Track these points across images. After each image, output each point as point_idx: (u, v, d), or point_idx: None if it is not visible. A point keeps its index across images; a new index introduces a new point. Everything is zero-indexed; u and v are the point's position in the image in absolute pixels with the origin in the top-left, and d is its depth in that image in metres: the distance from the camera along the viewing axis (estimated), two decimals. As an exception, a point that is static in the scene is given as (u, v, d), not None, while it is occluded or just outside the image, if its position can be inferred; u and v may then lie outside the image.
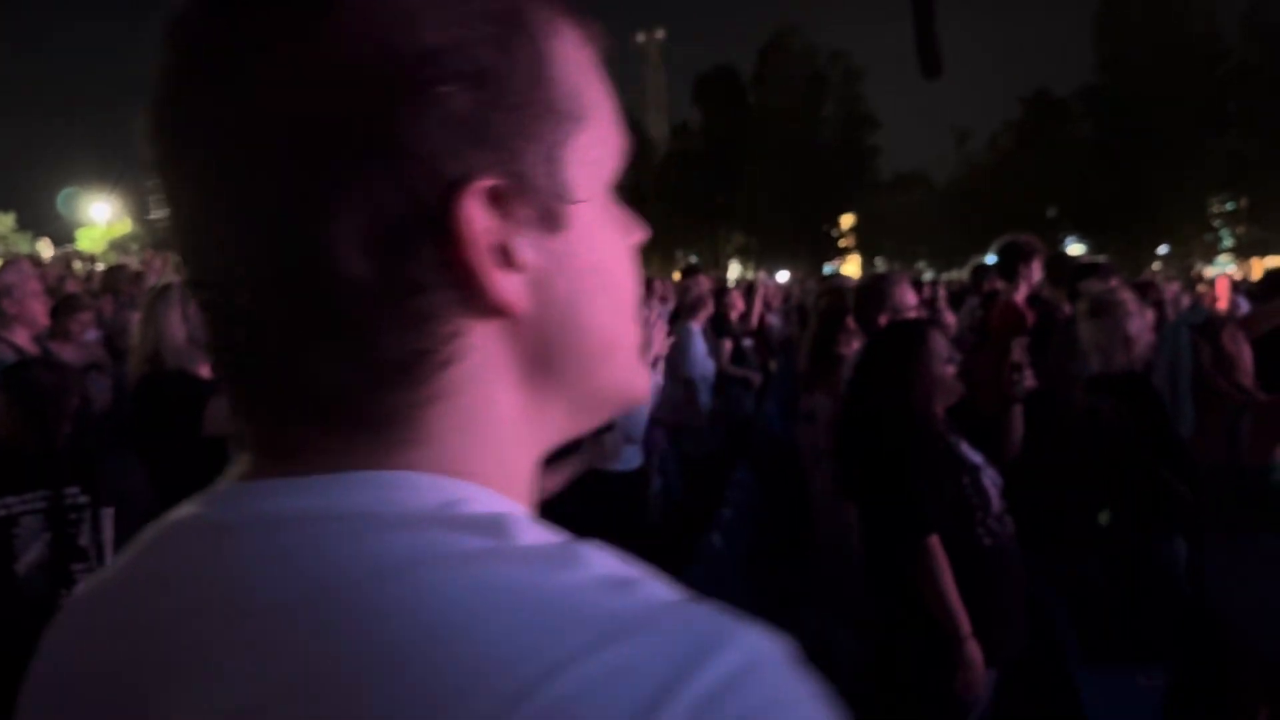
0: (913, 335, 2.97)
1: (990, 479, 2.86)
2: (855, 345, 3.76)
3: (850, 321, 3.81)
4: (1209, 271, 38.22)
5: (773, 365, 9.12)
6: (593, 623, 0.40)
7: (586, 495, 3.30)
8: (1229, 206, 42.79)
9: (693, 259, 55.09)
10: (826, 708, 0.43)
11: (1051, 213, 47.52)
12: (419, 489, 0.46)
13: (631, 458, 3.55)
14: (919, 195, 58.03)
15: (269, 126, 0.44)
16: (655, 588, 0.44)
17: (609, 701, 0.37)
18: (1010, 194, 46.22)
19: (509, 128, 0.47)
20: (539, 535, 0.46)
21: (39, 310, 4.28)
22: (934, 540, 2.74)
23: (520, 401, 0.51)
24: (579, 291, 0.51)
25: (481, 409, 0.49)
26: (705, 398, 6.30)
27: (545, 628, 0.39)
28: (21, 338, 4.17)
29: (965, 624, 2.72)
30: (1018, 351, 3.02)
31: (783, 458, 5.36)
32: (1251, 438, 2.98)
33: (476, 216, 0.45)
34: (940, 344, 2.94)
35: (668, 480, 5.02)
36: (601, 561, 0.44)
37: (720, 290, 8.44)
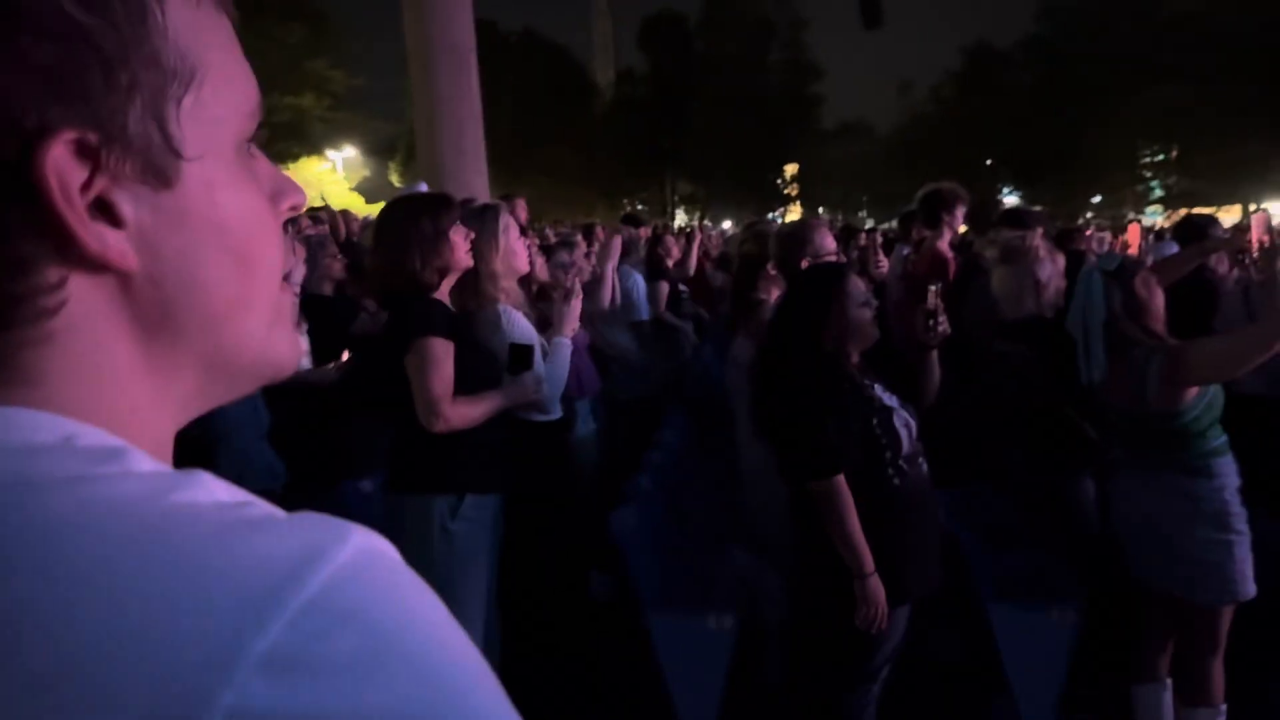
0: (829, 278, 3.00)
1: (902, 421, 2.92)
2: (775, 291, 3.79)
3: (771, 267, 3.84)
4: (1143, 221, 38.96)
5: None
6: (211, 528, 0.42)
7: (513, 444, 3.32)
8: (1160, 157, 43.51)
9: (639, 207, 54.90)
10: (431, 597, 0.45)
11: (990, 162, 47.99)
12: (24, 424, 0.46)
13: (552, 408, 3.56)
14: (862, 145, 58.29)
15: None
16: (267, 506, 0.46)
17: (234, 589, 0.39)
18: (951, 143, 46.53)
19: (97, 83, 0.46)
20: (156, 465, 0.47)
21: None
22: (838, 480, 2.79)
23: (139, 355, 0.51)
24: (196, 249, 0.51)
25: (94, 357, 0.49)
26: (644, 342, 6.34)
27: (138, 542, 0.41)
28: None
29: (868, 562, 2.80)
30: (931, 298, 3.07)
31: (715, 401, 5.40)
32: (1159, 382, 3.06)
33: (58, 170, 0.45)
34: (858, 288, 2.98)
35: (601, 424, 5.04)
36: (218, 486, 0.46)
37: (656, 236, 8.45)
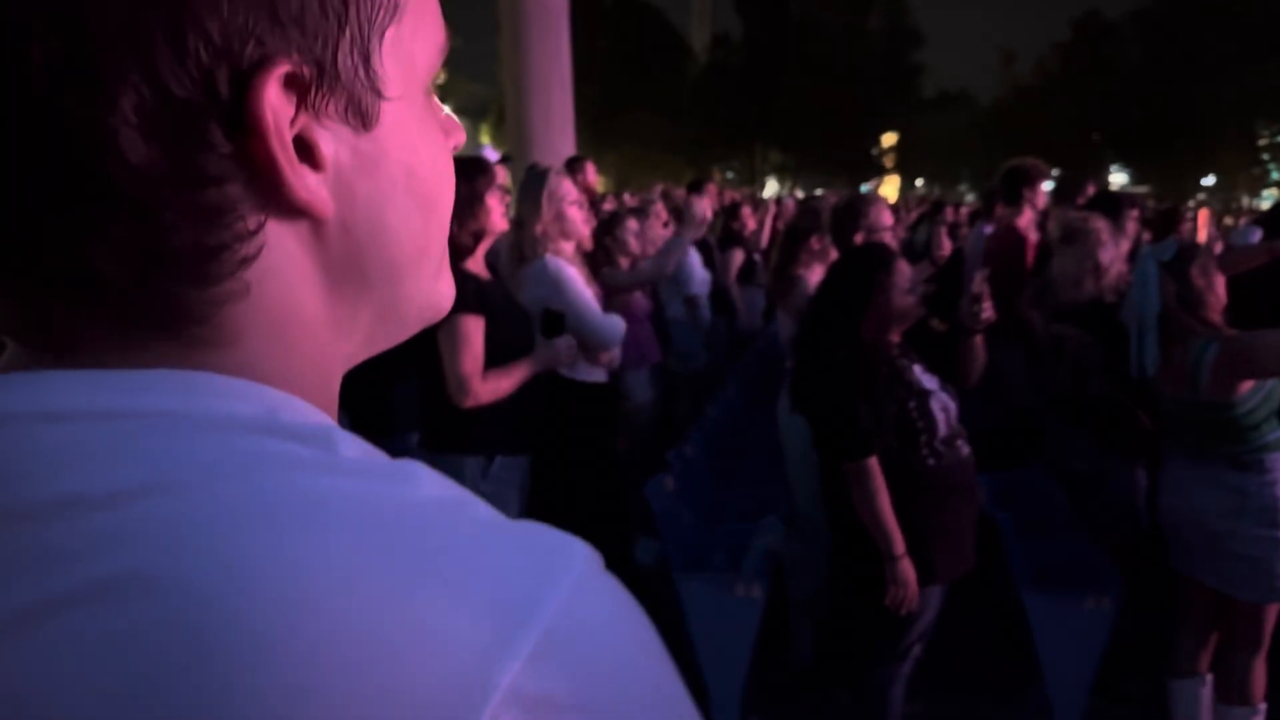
0: (874, 264, 2.98)
1: (940, 404, 2.90)
2: (815, 267, 3.77)
3: (815, 242, 3.82)
4: (1257, 204, 37.32)
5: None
6: (449, 532, 0.41)
7: (553, 402, 3.38)
8: (1278, 139, 41.59)
9: (728, 175, 54.50)
10: (641, 615, 0.45)
11: (1096, 138, 46.43)
12: (229, 392, 0.44)
13: (598, 371, 3.61)
14: (962, 116, 56.84)
15: None
16: (485, 506, 0.44)
17: (467, 620, 0.38)
18: (1055, 117, 45.13)
19: (313, 10, 0.42)
20: (364, 450, 0.45)
21: None
22: (870, 462, 2.79)
23: (326, 307, 0.48)
24: (389, 194, 0.48)
25: (286, 312, 0.46)
26: (705, 312, 6.35)
27: (384, 547, 0.39)
28: None
29: (898, 544, 2.79)
30: (977, 283, 3.03)
31: (772, 373, 5.41)
32: (1213, 373, 2.98)
33: (273, 105, 0.41)
34: (903, 275, 2.95)
35: (659, 393, 5.08)
36: (430, 479, 0.44)
37: (732, 206, 8.39)
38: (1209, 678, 3.27)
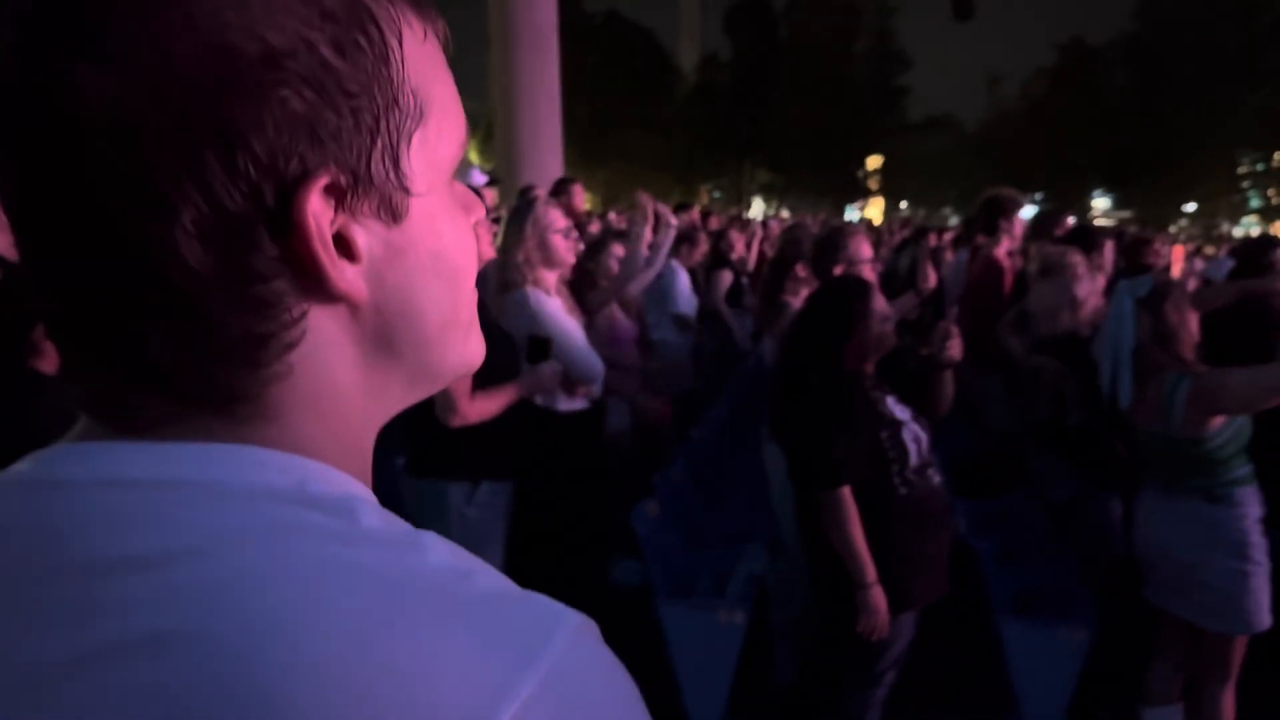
0: (852, 296, 3.04)
1: (912, 435, 2.96)
2: (802, 293, 3.83)
3: (800, 269, 3.88)
4: (1236, 232, 37.71)
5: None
6: (437, 605, 0.45)
7: (536, 433, 3.42)
8: (1259, 166, 42.06)
9: (715, 195, 54.67)
10: (623, 671, 0.50)
11: (1080, 163, 46.82)
12: (267, 465, 0.49)
13: (578, 400, 3.65)
14: (948, 139, 57.23)
15: (102, 114, 0.44)
16: (490, 577, 0.49)
17: (474, 665, 0.43)
18: (1040, 142, 45.51)
19: (348, 127, 0.48)
20: (383, 520, 0.50)
21: (4, 243, 4.30)
22: (843, 491, 2.85)
23: (361, 379, 0.54)
24: (417, 278, 0.53)
25: (325, 388, 0.52)
26: (686, 335, 6.42)
27: (392, 607, 0.44)
28: (3, 243, 4.23)
29: (870, 572, 2.85)
30: (945, 321, 3.10)
31: (758, 396, 5.46)
32: (1185, 409, 3.05)
33: (315, 212, 0.47)
34: (880, 305, 3.02)
35: (637, 417, 5.10)
36: (441, 548, 0.49)
37: (720, 231, 8.47)
38: (1181, 706, 3.32)
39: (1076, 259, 3.64)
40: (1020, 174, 37.39)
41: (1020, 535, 3.82)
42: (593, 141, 41.34)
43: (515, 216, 3.55)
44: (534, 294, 3.45)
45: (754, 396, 5.73)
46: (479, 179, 5.65)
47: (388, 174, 0.51)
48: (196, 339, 0.48)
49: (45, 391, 2.75)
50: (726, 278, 7.40)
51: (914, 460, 2.91)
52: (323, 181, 0.47)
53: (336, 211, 0.49)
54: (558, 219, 3.60)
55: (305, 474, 0.50)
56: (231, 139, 0.45)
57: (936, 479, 2.99)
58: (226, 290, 0.47)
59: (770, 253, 8.43)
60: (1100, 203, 52.50)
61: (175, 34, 0.44)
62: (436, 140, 0.54)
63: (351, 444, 0.55)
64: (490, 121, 26.81)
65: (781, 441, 3.10)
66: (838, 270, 3.64)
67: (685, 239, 7.10)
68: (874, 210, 56.78)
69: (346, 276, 0.50)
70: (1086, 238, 4.73)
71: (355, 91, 0.48)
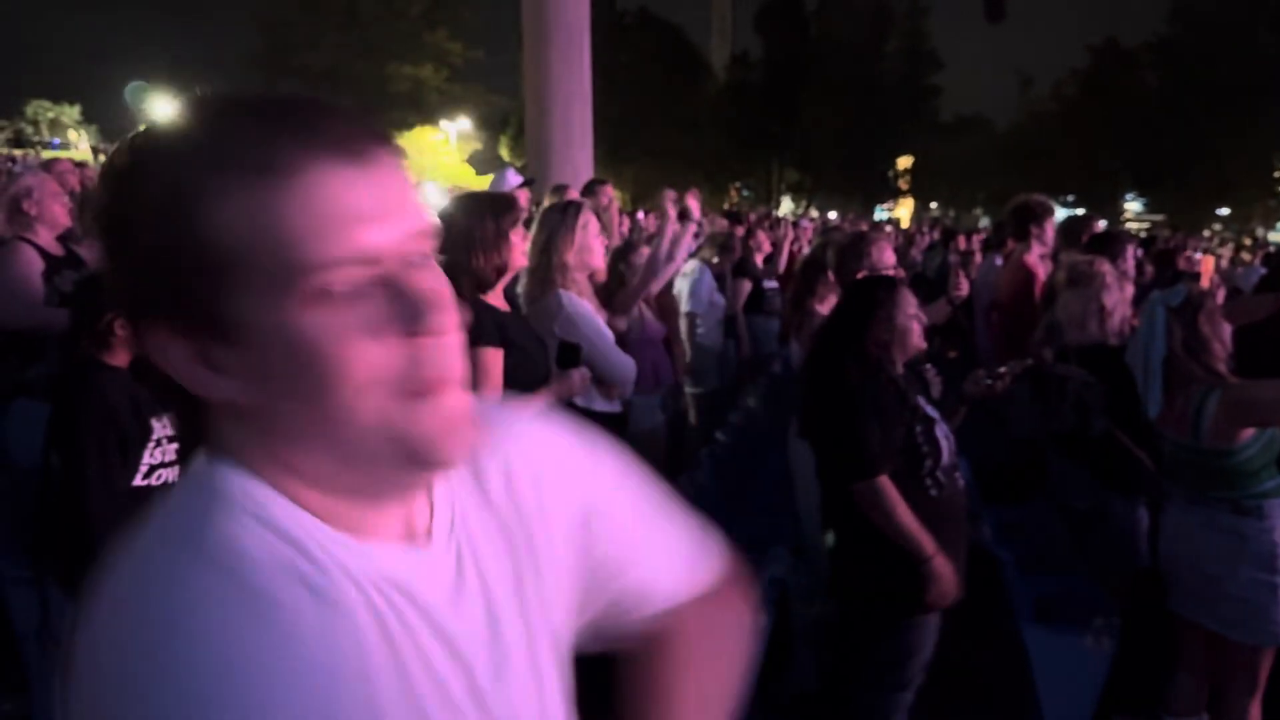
0: (880, 286, 3.07)
1: (944, 432, 2.98)
2: (829, 300, 3.85)
3: (831, 275, 3.90)
4: (1272, 237, 37.21)
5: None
6: None
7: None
8: (1295, 171, 41.55)
9: (744, 193, 54.57)
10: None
11: (1112, 166, 46.41)
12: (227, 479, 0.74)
13: (614, 403, 3.70)
14: (979, 140, 56.83)
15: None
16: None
17: None
18: (1071, 143, 45.13)
19: (188, 280, 0.69)
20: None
21: (59, 211, 4.40)
22: (881, 480, 2.86)
23: (280, 446, 0.74)
24: (284, 379, 0.70)
25: (250, 444, 0.74)
26: (715, 335, 6.45)
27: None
28: (45, 238, 4.32)
29: (928, 544, 2.86)
30: (1009, 369, 3.11)
31: (784, 399, 5.48)
32: (1214, 421, 3.05)
33: (163, 345, 0.72)
34: (908, 299, 3.04)
35: (670, 416, 5.13)
36: None
37: (748, 232, 8.47)
38: (1206, 717, 3.31)
39: (1105, 268, 3.63)
40: (1051, 176, 37.14)
41: (1044, 543, 3.82)
42: (622, 139, 41.34)
43: (558, 219, 3.59)
44: (569, 297, 3.49)
45: (779, 400, 5.75)
46: (514, 180, 5.67)
47: (228, 310, 0.70)
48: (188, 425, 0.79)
49: (110, 375, 2.86)
50: (744, 285, 7.43)
51: (946, 458, 2.93)
52: (164, 321, 0.72)
53: (186, 343, 0.72)
54: (594, 221, 3.65)
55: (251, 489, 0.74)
56: (118, 292, 0.76)
57: (961, 481, 3.01)
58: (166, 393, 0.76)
59: (798, 253, 8.45)
60: (1132, 206, 51.96)
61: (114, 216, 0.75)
62: (277, 285, 0.69)
63: (296, 475, 0.75)
64: (521, 118, 26.93)
65: (812, 439, 3.11)
66: (860, 276, 3.66)
67: (724, 247, 7.17)
68: (903, 211, 56.45)
69: (215, 386, 0.73)
70: (1108, 243, 4.72)
71: (182, 255, 0.71)
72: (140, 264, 0.71)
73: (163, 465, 2.97)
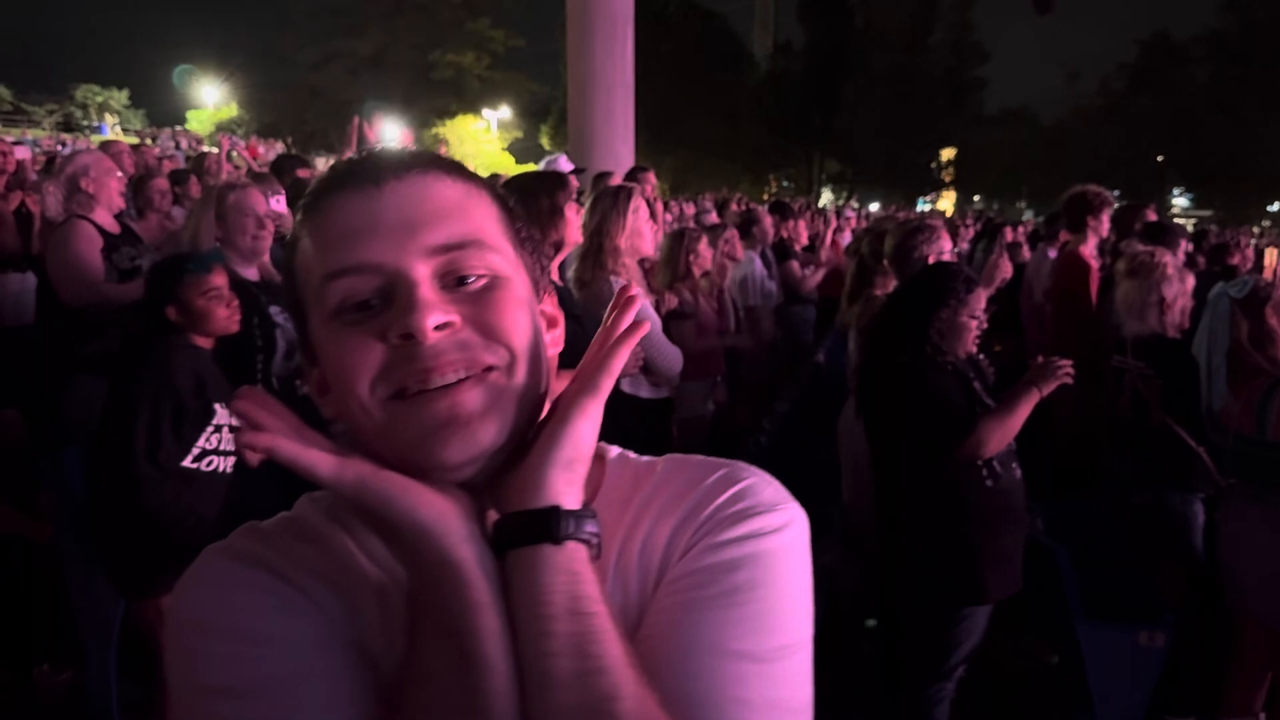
0: (959, 280, 3.01)
1: None
2: (891, 286, 3.81)
3: (886, 263, 3.85)
4: (1324, 234, 36.40)
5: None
6: None
7: (612, 415, 3.46)
8: (1349, 167, 40.63)
9: (784, 184, 54.29)
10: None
11: (1159, 160, 45.66)
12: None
13: (660, 390, 3.71)
14: (1023, 133, 56.14)
15: None
16: None
17: None
18: (1118, 138, 44.44)
19: (299, 315, 0.84)
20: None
21: (115, 189, 4.46)
22: (977, 433, 2.84)
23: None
24: (333, 387, 0.80)
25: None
26: (768, 324, 6.43)
27: None
28: (102, 217, 4.37)
29: (1025, 397, 2.87)
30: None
31: (827, 392, 5.44)
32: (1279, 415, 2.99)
33: (308, 375, 0.86)
34: (979, 302, 3.00)
35: (720, 405, 5.11)
36: None
37: (783, 219, 8.37)
38: (1263, 717, 3.26)
39: (1167, 259, 3.56)
40: (1096, 170, 36.58)
41: (1099, 538, 3.76)
42: (663, 130, 41.25)
43: (605, 203, 3.58)
44: (620, 283, 3.48)
45: (823, 389, 5.71)
46: (565, 167, 5.69)
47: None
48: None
49: (184, 350, 2.92)
50: (795, 265, 7.36)
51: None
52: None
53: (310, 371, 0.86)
54: (644, 206, 3.65)
55: None
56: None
57: (1018, 473, 2.97)
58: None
59: (836, 241, 8.36)
60: (1179, 202, 51.12)
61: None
62: (317, 304, 0.80)
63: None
64: (562, 106, 26.92)
65: (874, 426, 3.08)
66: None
67: (750, 224, 7.03)
68: (946, 203, 55.88)
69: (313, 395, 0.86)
70: (1162, 234, 4.63)
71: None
72: (291, 315, 0.88)
73: (216, 452, 3.00)
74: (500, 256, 0.81)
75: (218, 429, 2.97)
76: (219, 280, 2.97)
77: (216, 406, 2.95)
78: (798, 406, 5.48)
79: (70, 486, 3.29)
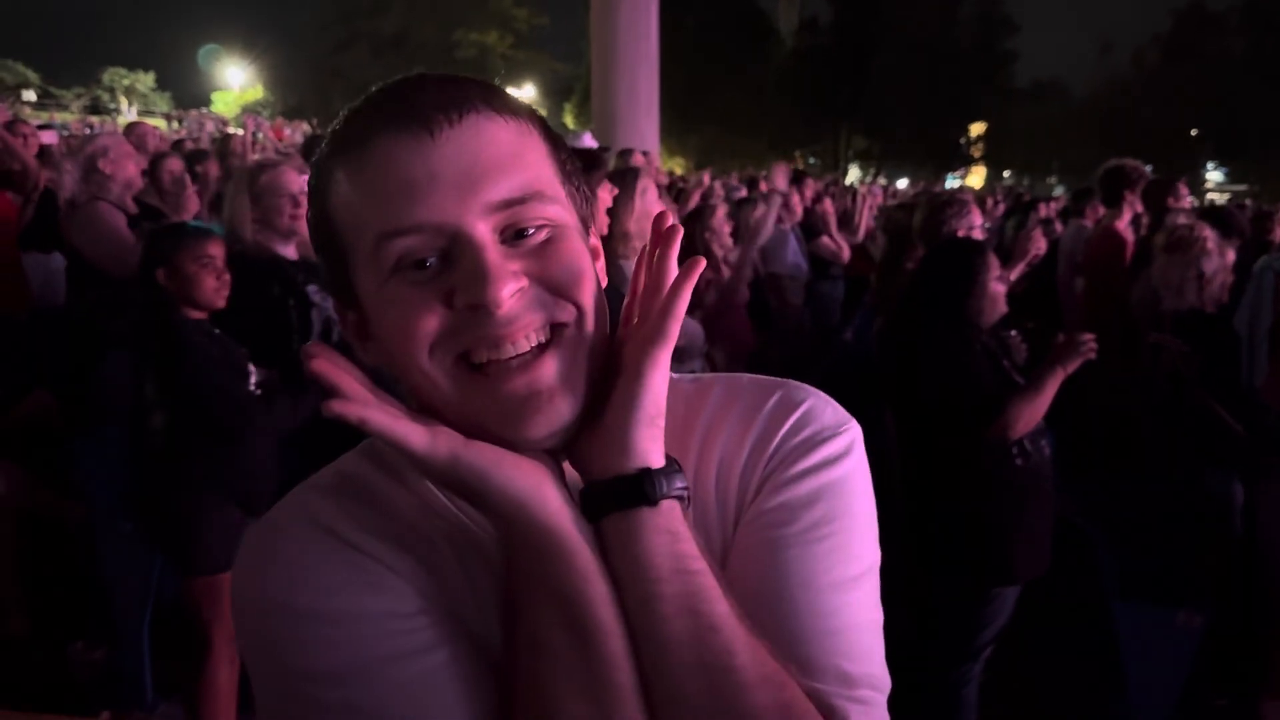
0: (970, 251, 2.99)
1: None
2: (924, 262, 3.77)
3: (917, 240, 3.80)
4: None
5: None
6: None
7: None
8: (1389, 139, 39.83)
9: (810, 161, 53.89)
10: None
11: (1194, 134, 44.96)
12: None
13: (684, 367, 3.67)
14: (1054, 107, 55.35)
15: None
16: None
17: None
18: (1152, 111, 43.77)
19: (334, 260, 0.80)
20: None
21: (134, 171, 4.49)
22: (1006, 412, 2.80)
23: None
24: (387, 344, 0.78)
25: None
26: (798, 300, 6.38)
27: None
28: (120, 197, 4.40)
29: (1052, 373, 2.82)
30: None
31: (850, 372, 5.40)
32: (1321, 388, 2.93)
33: (343, 321, 0.85)
34: (995, 262, 2.98)
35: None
36: None
37: (816, 197, 8.29)
38: (1302, 699, 3.21)
39: (1207, 233, 3.49)
40: (1130, 144, 36.02)
41: (1134, 517, 3.70)
42: (688, 106, 41.01)
43: (621, 187, 3.54)
44: (631, 268, 3.45)
45: (852, 367, 5.66)
46: (588, 142, 5.66)
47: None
48: None
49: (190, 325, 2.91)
50: (827, 242, 7.28)
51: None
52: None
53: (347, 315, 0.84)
54: (654, 188, 3.61)
55: None
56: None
57: (1047, 450, 2.94)
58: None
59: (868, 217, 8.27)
60: (1213, 176, 50.39)
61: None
62: (371, 262, 0.76)
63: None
64: (586, 85, 26.86)
65: (903, 405, 3.05)
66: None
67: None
68: (975, 179, 55.32)
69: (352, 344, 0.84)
70: (1224, 220, 4.54)
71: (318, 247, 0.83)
72: (316, 249, 0.83)
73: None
74: (558, 205, 0.78)
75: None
76: (215, 250, 2.96)
77: (250, 365, 2.97)
78: (825, 385, 5.43)
79: (111, 465, 3.31)
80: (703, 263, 0.79)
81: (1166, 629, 3.21)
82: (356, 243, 0.76)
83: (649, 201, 3.56)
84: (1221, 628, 3.29)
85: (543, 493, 0.73)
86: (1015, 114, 53.59)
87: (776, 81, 50.04)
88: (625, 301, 0.84)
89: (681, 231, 0.81)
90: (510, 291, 0.72)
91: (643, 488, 0.73)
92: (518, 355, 0.74)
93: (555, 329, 0.76)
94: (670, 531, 0.73)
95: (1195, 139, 45.73)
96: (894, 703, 0.84)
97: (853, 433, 0.86)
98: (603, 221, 3.14)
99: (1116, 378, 4.20)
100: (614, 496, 0.74)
